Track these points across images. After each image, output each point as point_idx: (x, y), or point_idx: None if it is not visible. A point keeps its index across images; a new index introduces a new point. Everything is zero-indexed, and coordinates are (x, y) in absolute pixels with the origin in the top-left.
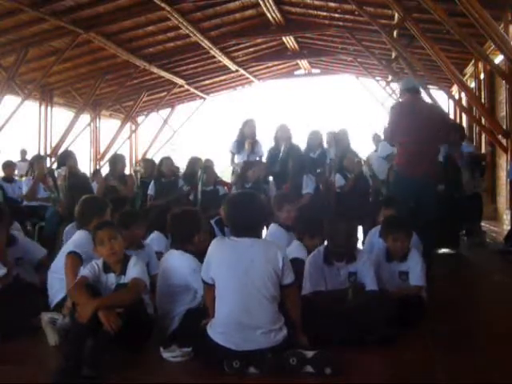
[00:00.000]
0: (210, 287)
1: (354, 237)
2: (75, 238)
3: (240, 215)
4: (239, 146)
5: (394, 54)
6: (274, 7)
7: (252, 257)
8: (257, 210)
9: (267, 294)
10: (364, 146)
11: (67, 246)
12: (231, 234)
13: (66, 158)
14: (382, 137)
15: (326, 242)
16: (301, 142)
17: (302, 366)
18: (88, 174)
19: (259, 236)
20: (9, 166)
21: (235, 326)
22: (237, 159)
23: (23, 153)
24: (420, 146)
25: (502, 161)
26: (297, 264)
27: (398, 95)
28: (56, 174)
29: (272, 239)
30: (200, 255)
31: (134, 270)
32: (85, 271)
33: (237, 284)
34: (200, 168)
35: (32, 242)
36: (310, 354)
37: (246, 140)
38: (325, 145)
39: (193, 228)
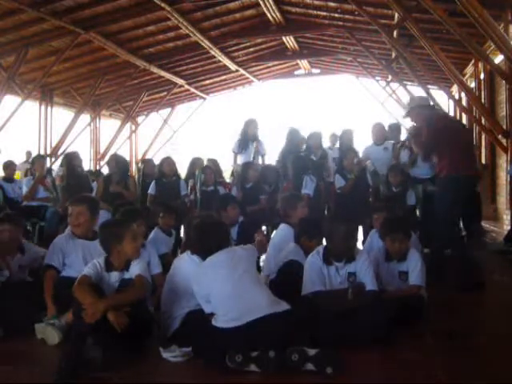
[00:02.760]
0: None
1: (353, 238)
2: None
3: (210, 240)
4: (242, 145)
5: (393, 54)
6: (273, 7)
7: (232, 254)
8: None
9: (253, 270)
10: (364, 146)
11: None
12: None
13: (72, 159)
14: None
15: (325, 243)
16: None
17: (303, 363)
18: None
19: None
20: (9, 166)
21: (236, 303)
22: (239, 159)
23: (28, 154)
24: (465, 146)
25: (502, 161)
26: (294, 266)
27: (409, 111)
28: (54, 174)
29: (279, 237)
30: None
31: (137, 267)
32: (87, 270)
33: (230, 276)
34: (198, 168)
35: (35, 248)
36: (312, 351)
37: (249, 140)
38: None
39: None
